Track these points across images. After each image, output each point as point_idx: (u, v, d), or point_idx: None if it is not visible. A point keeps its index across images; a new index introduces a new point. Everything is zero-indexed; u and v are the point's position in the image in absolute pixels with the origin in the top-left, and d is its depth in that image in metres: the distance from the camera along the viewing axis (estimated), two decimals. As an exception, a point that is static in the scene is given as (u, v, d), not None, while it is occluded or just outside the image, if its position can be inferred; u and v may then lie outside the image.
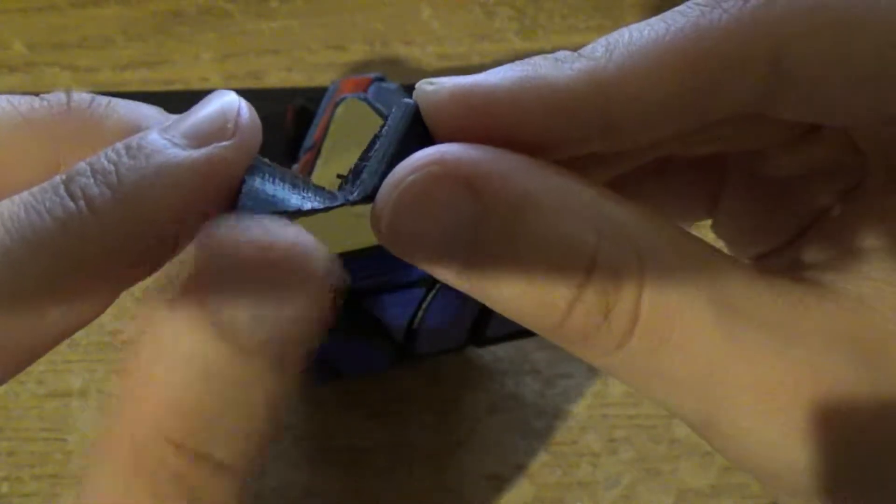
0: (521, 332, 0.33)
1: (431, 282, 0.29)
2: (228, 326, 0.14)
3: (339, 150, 0.30)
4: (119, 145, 0.16)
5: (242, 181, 0.16)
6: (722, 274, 0.15)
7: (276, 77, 0.42)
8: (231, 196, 0.16)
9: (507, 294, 0.15)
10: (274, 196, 0.16)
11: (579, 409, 0.36)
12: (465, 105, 0.16)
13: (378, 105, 0.30)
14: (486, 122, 0.16)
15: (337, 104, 0.31)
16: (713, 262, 0.15)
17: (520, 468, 0.35)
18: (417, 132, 0.17)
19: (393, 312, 0.31)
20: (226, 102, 0.16)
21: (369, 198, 0.16)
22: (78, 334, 0.42)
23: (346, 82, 0.33)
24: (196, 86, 0.42)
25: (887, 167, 0.17)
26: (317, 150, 0.30)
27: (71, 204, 0.15)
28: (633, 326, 0.15)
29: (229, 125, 0.16)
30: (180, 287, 0.15)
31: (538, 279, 0.15)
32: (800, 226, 0.20)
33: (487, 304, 0.16)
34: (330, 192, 0.17)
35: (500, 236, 0.15)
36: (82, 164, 0.16)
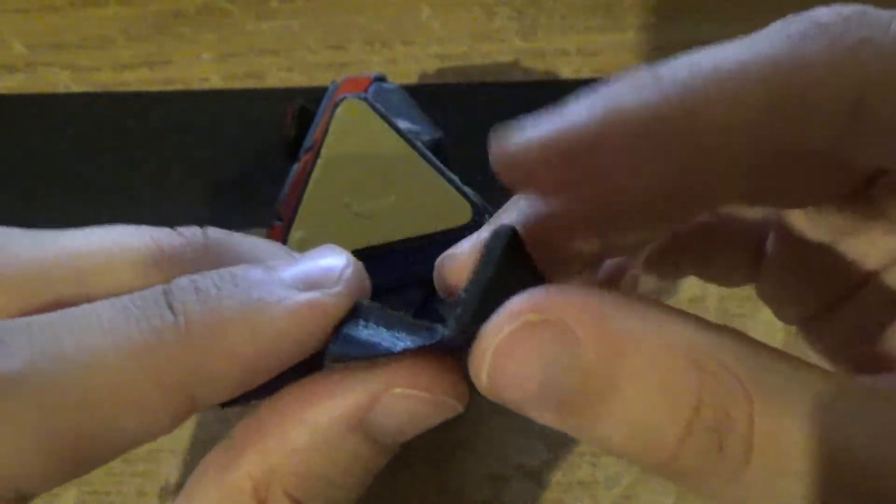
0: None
1: (430, 283, 0.29)
2: (375, 430, 0.17)
3: (339, 150, 0.30)
4: (225, 271, 0.16)
5: (340, 326, 0.16)
6: (820, 388, 0.15)
7: (276, 77, 0.42)
8: (327, 339, 0.16)
9: (614, 435, 0.15)
10: (367, 339, 0.16)
11: (579, 409, 0.36)
12: (553, 153, 0.15)
13: (378, 105, 0.30)
14: (576, 164, 0.15)
15: (337, 104, 0.30)
16: (811, 378, 0.15)
17: (520, 468, 0.35)
18: (516, 257, 0.16)
19: (392, 313, 0.31)
20: (337, 257, 0.17)
21: (463, 334, 0.16)
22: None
23: (346, 82, 0.33)
24: (196, 86, 0.42)
25: None
26: (317, 150, 0.30)
27: (170, 316, 0.15)
28: (748, 456, 0.14)
29: (334, 276, 0.16)
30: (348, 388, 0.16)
31: (645, 419, 0.15)
32: (846, 287, 0.20)
33: (592, 444, 0.16)
34: (427, 327, 0.16)
35: (601, 380, 0.15)
36: (184, 280, 0.16)
